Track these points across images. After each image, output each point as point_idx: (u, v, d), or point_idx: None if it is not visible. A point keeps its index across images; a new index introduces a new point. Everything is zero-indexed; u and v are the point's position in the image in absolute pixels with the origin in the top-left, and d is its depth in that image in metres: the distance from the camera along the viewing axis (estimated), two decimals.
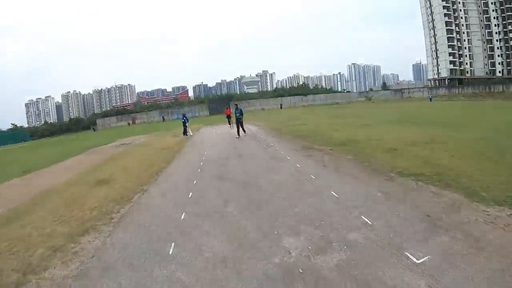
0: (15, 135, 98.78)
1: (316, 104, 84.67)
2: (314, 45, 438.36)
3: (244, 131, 20.98)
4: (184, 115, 28.00)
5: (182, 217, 6.51)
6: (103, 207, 8.10)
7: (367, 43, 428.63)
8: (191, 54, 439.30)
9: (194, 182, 9.38)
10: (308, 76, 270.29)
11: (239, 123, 20.69)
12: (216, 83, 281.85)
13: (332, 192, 6.89)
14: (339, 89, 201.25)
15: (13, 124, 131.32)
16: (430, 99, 63.42)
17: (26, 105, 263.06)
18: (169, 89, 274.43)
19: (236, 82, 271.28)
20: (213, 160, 12.90)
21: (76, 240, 6.25)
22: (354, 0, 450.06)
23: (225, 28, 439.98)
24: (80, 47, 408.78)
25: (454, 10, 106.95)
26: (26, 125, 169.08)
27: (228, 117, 30.11)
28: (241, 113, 20.87)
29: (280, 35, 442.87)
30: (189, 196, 7.98)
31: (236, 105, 22.39)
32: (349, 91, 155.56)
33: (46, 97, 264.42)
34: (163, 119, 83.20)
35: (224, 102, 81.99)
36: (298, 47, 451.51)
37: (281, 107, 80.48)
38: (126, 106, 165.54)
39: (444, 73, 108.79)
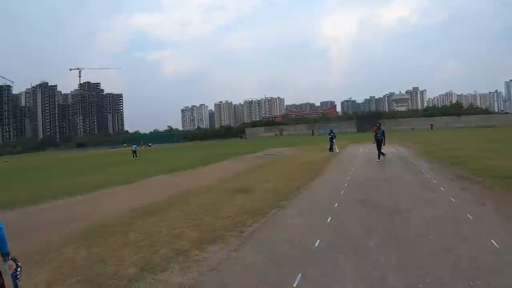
0: (169, 136, 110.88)
1: (470, 126, 77.08)
2: (466, 59, 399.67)
3: (383, 154, 19.18)
4: (331, 131, 27.65)
5: (316, 244, 6.06)
6: (236, 217, 8.13)
7: None
8: (340, 68, 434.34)
9: (336, 205, 8.86)
10: (462, 94, 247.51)
11: (380, 145, 19.17)
12: (365, 99, 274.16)
13: (492, 241, 5.69)
14: (496, 110, 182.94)
15: (169, 126, 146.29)
16: None
17: (182, 110, 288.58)
18: (317, 104, 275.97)
19: (385, 99, 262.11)
20: (358, 182, 12.23)
21: (201, 247, 6.29)
22: (504, 6, 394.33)
23: (373, 43, 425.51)
24: (233, 60, 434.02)
25: None
26: (180, 128, 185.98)
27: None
28: (383, 134, 19.37)
29: (431, 49, 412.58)
30: (328, 220, 7.49)
31: (379, 124, 20.72)
32: (507, 112, 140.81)
33: (200, 105, 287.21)
34: (313, 133, 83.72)
35: (372, 120, 79.73)
36: (450, 61, 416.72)
37: (431, 128, 75.52)
38: (274, 117, 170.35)
39: None
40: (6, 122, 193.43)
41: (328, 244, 6.06)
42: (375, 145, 19.12)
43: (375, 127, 30.96)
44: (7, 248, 3.69)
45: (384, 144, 19.51)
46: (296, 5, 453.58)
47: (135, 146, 38.64)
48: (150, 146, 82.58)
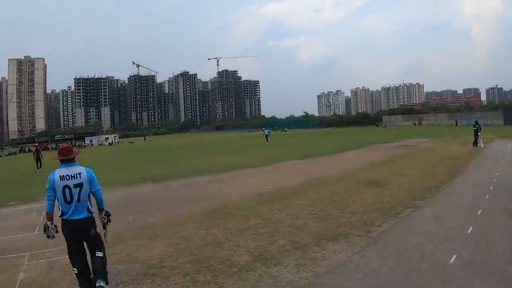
0: (305, 121, 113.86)
1: None
2: None
3: None
4: (476, 122, 24.99)
5: (452, 260, 5.14)
6: (365, 214, 7.62)
7: None
8: (484, 51, 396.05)
9: (478, 213, 7.61)
10: None
11: None
12: None
13: None
14: None
15: (305, 112, 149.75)
16: None
17: (318, 96, 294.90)
18: (460, 91, 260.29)
19: None
20: (506, 186, 10.44)
21: (322, 244, 5.96)
22: None
23: None
24: (368, 45, 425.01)
25: None
26: (316, 114, 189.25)
27: None
28: None
29: None
30: (468, 231, 6.43)
31: None
32: None
33: (336, 91, 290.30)
34: (456, 123, 77.53)
35: None
36: None
37: None
38: (413, 105, 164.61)
39: None
40: (152, 107, 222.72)
41: (465, 262, 5.09)
42: None
43: None
44: (103, 205, 4.91)
45: None
46: None
47: (268, 130, 39.00)
48: (286, 131, 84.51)
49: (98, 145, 73.64)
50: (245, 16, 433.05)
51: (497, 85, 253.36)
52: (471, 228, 6.58)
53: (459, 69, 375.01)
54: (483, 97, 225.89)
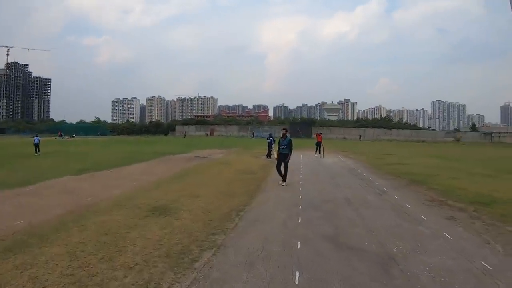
0: (96, 128, 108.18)
1: (400, 139, 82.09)
2: (396, 78, 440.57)
3: (285, 178, 13.03)
4: (270, 135, 25.59)
5: None
6: (146, 267, 4.90)
7: (452, 80, 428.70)
8: (275, 75, 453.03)
9: (298, 246, 5.92)
10: (390, 109, 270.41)
11: (285, 162, 13.01)
12: (297, 106, 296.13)
13: None
14: (422, 126, 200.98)
15: (96, 118, 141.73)
16: None
17: (113, 102, 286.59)
18: (250, 107, 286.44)
19: (317, 108, 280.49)
20: (314, 204, 9.34)
21: None
22: (439, 33, 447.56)
23: (310, 53, 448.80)
24: (170, 56, 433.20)
25: None
26: (109, 121, 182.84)
27: (319, 144, 26.71)
28: (290, 146, 13.19)
29: (366, 64, 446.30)
30: (295, 280, 4.55)
31: (285, 130, 13.99)
32: (434, 129, 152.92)
33: (132, 98, 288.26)
34: (253, 135, 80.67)
35: (306, 126, 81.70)
36: (382, 78, 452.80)
37: (360, 139, 77.43)
38: (206, 117, 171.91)
39: None
40: None
41: None
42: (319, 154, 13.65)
43: (319, 135, 28.85)
44: None
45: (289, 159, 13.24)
46: (239, 10, 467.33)
47: (38, 138, 31.58)
48: (74, 137, 76.69)
49: None
50: (48, 3, 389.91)
51: (283, 103, 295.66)
52: (297, 274, 4.75)
53: (252, 88, 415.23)
54: (271, 113, 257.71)
